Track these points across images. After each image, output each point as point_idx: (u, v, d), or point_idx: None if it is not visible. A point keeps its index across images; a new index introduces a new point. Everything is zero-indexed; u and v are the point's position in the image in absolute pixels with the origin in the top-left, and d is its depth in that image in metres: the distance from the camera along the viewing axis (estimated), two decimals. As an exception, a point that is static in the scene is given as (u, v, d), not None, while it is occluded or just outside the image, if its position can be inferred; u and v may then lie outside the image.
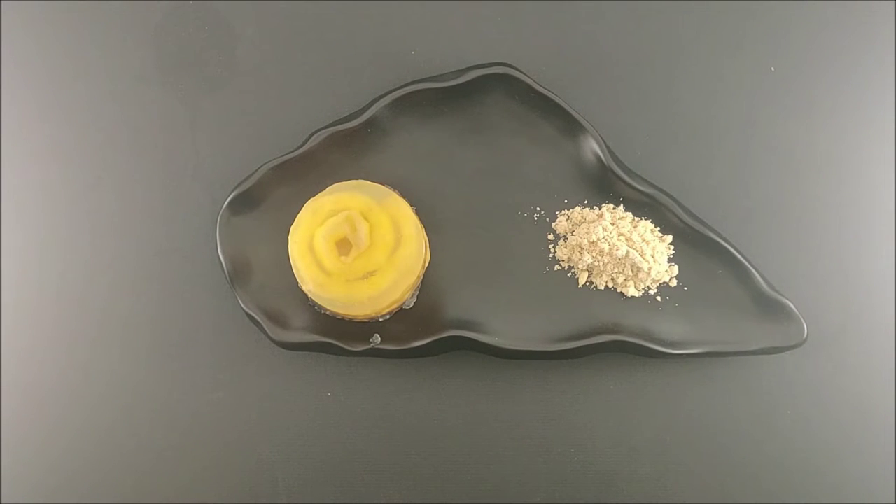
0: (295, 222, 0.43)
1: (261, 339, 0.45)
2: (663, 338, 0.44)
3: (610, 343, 0.43)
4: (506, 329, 0.44)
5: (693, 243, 0.45)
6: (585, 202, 0.46)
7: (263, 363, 0.46)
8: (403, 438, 0.46)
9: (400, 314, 0.44)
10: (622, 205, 0.46)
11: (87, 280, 0.46)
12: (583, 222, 0.45)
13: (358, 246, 0.42)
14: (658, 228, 0.45)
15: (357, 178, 0.44)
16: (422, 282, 0.44)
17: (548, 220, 0.46)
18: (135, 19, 0.48)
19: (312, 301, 0.44)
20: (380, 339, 0.44)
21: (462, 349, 0.45)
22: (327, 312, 0.44)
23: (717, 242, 0.45)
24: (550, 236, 0.46)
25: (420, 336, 0.44)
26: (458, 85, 0.45)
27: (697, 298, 0.45)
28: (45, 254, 0.47)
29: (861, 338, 0.46)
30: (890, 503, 0.45)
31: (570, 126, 0.45)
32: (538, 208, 0.46)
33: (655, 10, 0.49)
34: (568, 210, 0.46)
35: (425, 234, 0.44)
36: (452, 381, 0.46)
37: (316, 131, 0.45)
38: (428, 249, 0.45)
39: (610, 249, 0.43)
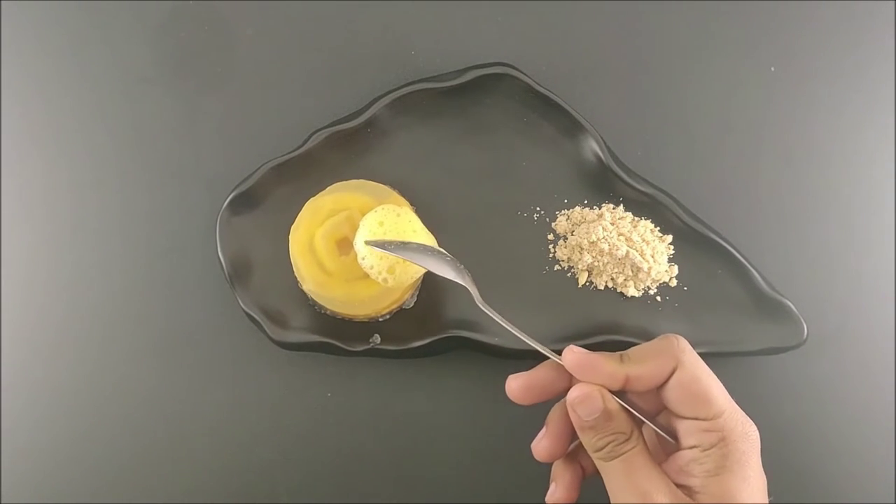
0: (295, 222, 0.43)
1: (261, 339, 0.45)
2: (663, 338, 0.44)
3: (610, 343, 0.43)
4: (506, 329, 0.44)
5: (693, 243, 0.45)
6: (585, 202, 0.46)
7: (263, 363, 0.46)
8: (404, 438, 0.46)
9: (400, 314, 0.44)
10: (622, 205, 0.46)
11: (87, 280, 0.46)
12: (583, 222, 0.45)
13: (358, 246, 0.42)
14: (658, 228, 0.45)
15: (357, 178, 0.44)
16: (422, 282, 0.44)
17: (548, 220, 0.46)
18: (135, 19, 0.48)
19: (312, 301, 0.44)
20: (380, 339, 0.44)
21: (462, 349, 0.45)
22: (327, 312, 0.44)
23: (717, 242, 0.45)
24: (550, 236, 0.46)
25: (420, 336, 0.44)
26: (458, 85, 0.45)
27: (697, 298, 0.45)
28: (45, 254, 0.47)
29: (861, 338, 0.46)
30: (890, 503, 0.45)
31: (570, 126, 0.45)
32: (538, 208, 0.46)
33: (655, 10, 0.49)
34: (568, 210, 0.46)
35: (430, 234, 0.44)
36: (452, 381, 0.46)
37: (316, 131, 0.45)
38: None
39: (610, 249, 0.43)
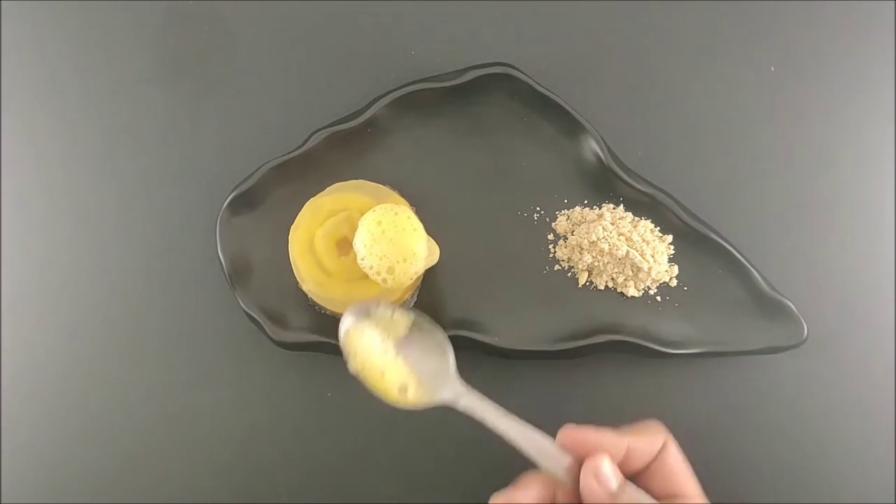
0: (295, 222, 0.43)
1: (261, 339, 0.45)
2: (663, 338, 0.44)
3: (610, 343, 0.43)
4: (506, 329, 0.44)
5: (693, 243, 0.45)
6: (585, 202, 0.46)
7: (263, 363, 0.46)
8: (403, 438, 0.46)
9: (400, 314, 0.44)
10: (622, 205, 0.46)
11: (87, 280, 0.46)
12: (583, 222, 0.45)
13: (358, 246, 0.42)
14: (658, 228, 0.45)
15: (357, 178, 0.44)
16: (422, 282, 0.44)
17: (548, 220, 0.46)
18: (135, 19, 0.48)
19: (312, 301, 0.44)
20: (380, 339, 0.44)
21: (462, 349, 0.44)
22: (327, 312, 0.44)
23: (717, 242, 0.45)
24: (550, 236, 0.46)
25: (420, 336, 0.44)
26: (458, 85, 0.45)
27: (697, 298, 0.45)
28: (46, 254, 0.47)
29: (861, 338, 0.46)
30: (890, 503, 0.45)
31: (570, 126, 0.45)
32: (538, 208, 0.46)
33: (655, 10, 0.49)
34: (568, 210, 0.46)
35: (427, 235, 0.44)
36: (452, 381, 0.46)
37: (316, 131, 0.45)
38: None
39: (610, 249, 0.43)
